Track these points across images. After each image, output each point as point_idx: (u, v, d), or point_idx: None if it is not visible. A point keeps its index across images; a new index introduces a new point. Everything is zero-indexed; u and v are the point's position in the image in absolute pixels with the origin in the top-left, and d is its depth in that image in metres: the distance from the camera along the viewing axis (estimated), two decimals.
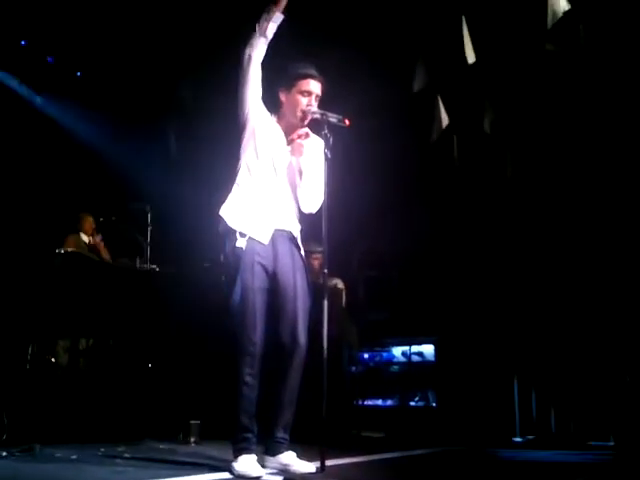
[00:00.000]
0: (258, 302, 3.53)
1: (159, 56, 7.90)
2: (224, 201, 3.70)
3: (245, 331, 3.49)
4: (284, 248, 3.68)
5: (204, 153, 7.78)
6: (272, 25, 3.66)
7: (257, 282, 3.54)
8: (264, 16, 3.65)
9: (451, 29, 6.66)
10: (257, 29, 3.65)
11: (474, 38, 6.41)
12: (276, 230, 3.67)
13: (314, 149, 3.73)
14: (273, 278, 3.62)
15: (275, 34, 3.68)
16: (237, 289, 3.52)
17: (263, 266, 3.59)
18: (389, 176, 7.39)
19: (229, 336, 3.54)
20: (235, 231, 3.59)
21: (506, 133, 6.63)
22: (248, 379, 3.49)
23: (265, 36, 3.66)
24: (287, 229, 3.73)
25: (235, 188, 3.71)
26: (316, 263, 5.74)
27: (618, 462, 4.60)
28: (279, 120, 3.78)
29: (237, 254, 3.55)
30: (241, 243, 3.56)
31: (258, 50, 3.66)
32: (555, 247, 6.24)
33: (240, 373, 3.49)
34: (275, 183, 3.70)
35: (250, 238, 3.58)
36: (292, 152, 3.72)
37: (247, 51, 3.66)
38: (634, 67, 5.68)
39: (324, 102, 3.76)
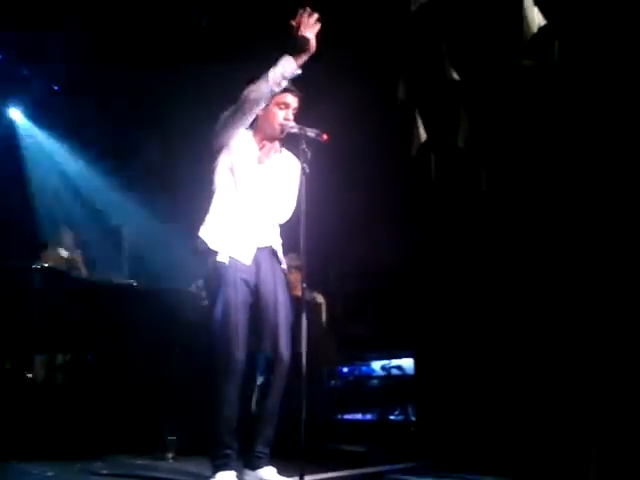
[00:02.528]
0: (241, 318, 3.51)
1: (141, 70, 7.88)
2: (202, 220, 3.69)
3: (227, 348, 3.45)
4: (266, 263, 3.67)
5: (184, 168, 7.77)
6: (285, 82, 3.53)
7: (240, 297, 3.52)
8: (280, 68, 3.47)
9: (430, 45, 6.71)
10: (270, 77, 3.48)
11: (452, 54, 6.46)
12: (257, 248, 3.66)
13: (281, 162, 3.74)
14: (255, 292, 3.61)
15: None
16: (219, 305, 3.50)
17: (245, 281, 3.56)
18: (369, 191, 7.40)
19: (210, 352, 3.52)
20: (216, 251, 3.58)
21: (481, 148, 6.67)
22: (229, 396, 3.47)
23: (275, 91, 3.54)
24: (268, 244, 3.72)
25: (213, 207, 3.67)
26: (293, 277, 5.72)
27: None
28: (254, 134, 3.75)
29: (219, 269, 3.53)
30: (223, 258, 3.55)
31: (264, 100, 3.56)
32: (534, 259, 6.28)
33: (221, 390, 3.46)
34: (253, 199, 3.69)
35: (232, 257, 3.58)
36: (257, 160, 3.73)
37: (253, 95, 3.52)
38: (610, 83, 5.75)
39: (303, 116, 3.76)
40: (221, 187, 3.68)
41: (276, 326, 3.60)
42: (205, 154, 3.76)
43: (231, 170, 3.66)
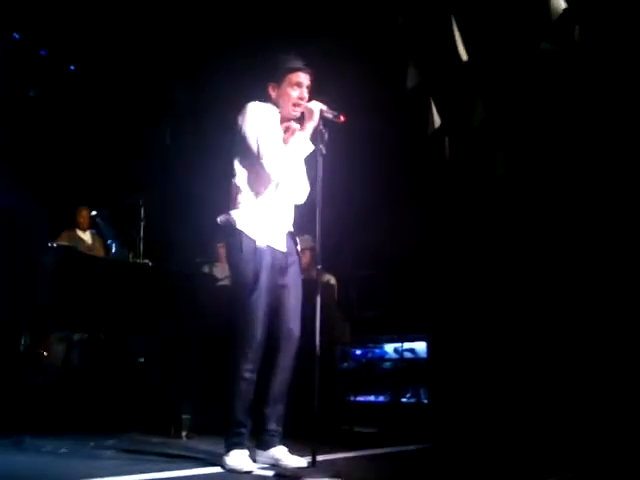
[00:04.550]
0: (263, 301, 3.54)
1: (155, 51, 7.89)
2: (231, 202, 3.68)
3: (250, 328, 3.49)
4: (288, 245, 3.70)
5: (200, 147, 7.79)
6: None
7: (266, 281, 3.55)
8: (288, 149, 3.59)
9: (442, 28, 6.67)
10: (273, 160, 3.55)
11: (466, 36, 6.42)
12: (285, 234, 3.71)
13: (298, 142, 3.69)
14: (279, 273, 3.64)
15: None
16: (253, 294, 3.50)
17: (277, 264, 3.62)
18: (383, 175, 7.40)
19: (231, 332, 3.54)
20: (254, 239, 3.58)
21: (498, 131, 6.64)
22: (247, 375, 3.50)
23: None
24: (290, 228, 3.76)
25: (242, 190, 3.65)
26: (305, 258, 5.70)
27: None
28: (280, 112, 3.73)
29: (258, 258, 3.54)
30: (261, 245, 3.57)
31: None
32: (546, 244, 6.26)
33: (239, 369, 3.49)
34: (282, 182, 3.69)
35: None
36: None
37: (267, 166, 3.58)
38: (628, 67, 5.70)
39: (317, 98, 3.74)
40: (249, 169, 3.67)
41: (286, 305, 3.65)
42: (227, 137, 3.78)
43: (259, 155, 3.60)
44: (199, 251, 6.64)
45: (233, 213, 3.63)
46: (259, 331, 3.50)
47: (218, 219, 3.68)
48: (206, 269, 6.31)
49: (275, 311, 3.62)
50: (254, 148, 3.58)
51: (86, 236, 6.91)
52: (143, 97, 8.32)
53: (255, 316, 3.50)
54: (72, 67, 8.34)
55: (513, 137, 6.57)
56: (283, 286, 3.65)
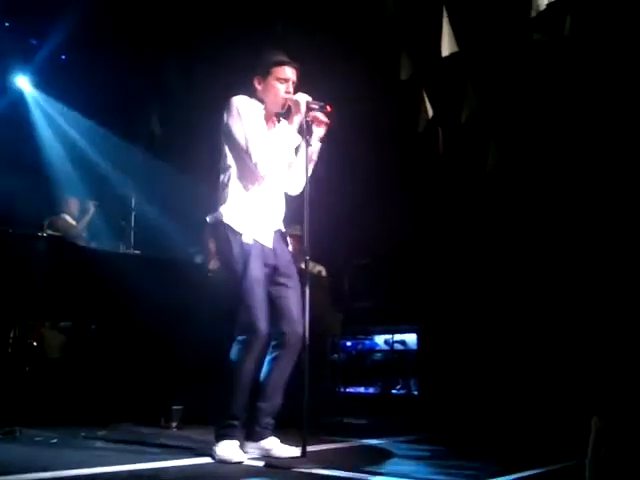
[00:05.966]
0: (264, 294, 3.56)
1: (144, 39, 7.85)
2: (219, 198, 3.68)
3: (249, 315, 3.48)
4: (276, 244, 3.71)
5: (189, 138, 7.76)
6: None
7: (262, 275, 3.57)
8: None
9: (433, 19, 6.67)
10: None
11: (459, 27, 6.42)
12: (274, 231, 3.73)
13: (288, 135, 3.69)
14: (273, 271, 3.66)
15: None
16: (245, 282, 3.51)
17: (266, 260, 3.62)
18: (376, 167, 7.40)
19: (235, 326, 3.54)
20: (241, 232, 3.59)
21: (489, 123, 6.64)
22: (249, 369, 3.51)
23: None
24: (279, 227, 3.78)
25: (231, 186, 3.65)
26: (293, 246, 5.68)
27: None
28: (264, 108, 3.74)
29: (245, 249, 3.55)
30: (247, 239, 3.58)
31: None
32: (537, 237, 6.28)
33: (242, 362, 3.49)
34: (272, 180, 3.71)
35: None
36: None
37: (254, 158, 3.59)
38: (619, 58, 5.70)
39: (306, 89, 3.73)
40: (236, 164, 3.67)
41: (289, 302, 3.65)
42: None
43: (246, 151, 3.61)
44: (191, 241, 6.63)
45: (220, 208, 3.64)
46: (260, 317, 3.48)
47: (207, 217, 3.69)
48: (199, 259, 6.30)
49: (278, 309, 3.63)
50: (242, 143, 3.60)
51: (74, 222, 6.89)
52: (131, 82, 8.27)
53: (252, 301, 3.49)
54: (63, 57, 8.30)
55: (505, 129, 6.58)
56: (282, 284, 3.66)
